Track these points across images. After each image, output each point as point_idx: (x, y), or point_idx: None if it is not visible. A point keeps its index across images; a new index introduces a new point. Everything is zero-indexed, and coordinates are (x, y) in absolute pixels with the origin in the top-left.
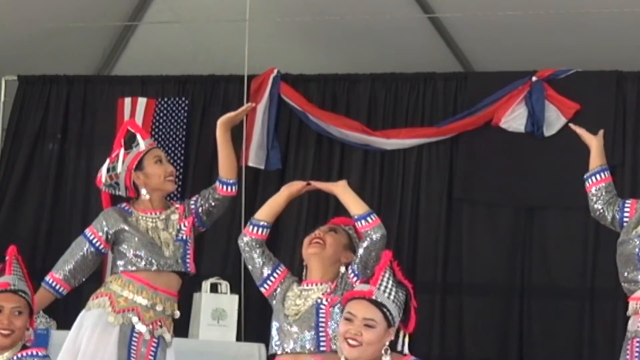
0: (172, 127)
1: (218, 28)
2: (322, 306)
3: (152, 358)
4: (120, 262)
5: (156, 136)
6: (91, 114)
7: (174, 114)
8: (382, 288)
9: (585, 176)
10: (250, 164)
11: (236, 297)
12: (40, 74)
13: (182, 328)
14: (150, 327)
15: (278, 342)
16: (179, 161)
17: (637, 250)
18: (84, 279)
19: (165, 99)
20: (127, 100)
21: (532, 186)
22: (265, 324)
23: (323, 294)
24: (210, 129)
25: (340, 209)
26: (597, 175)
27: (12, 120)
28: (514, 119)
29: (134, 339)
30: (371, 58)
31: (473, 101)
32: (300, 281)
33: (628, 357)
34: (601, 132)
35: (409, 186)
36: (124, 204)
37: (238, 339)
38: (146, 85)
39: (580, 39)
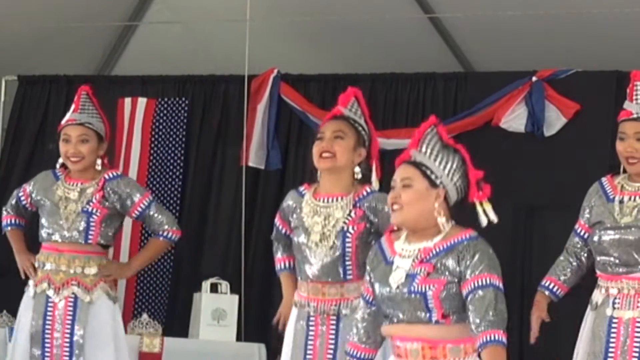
0: (172, 127)
1: (218, 28)
2: (348, 234)
3: (70, 316)
4: (40, 232)
5: (156, 136)
6: None
7: (174, 114)
8: (423, 149)
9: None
10: (251, 164)
11: (236, 297)
12: (40, 74)
13: (182, 328)
14: (61, 287)
15: (300, 268)
16: (179, 161)
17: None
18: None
19: (165, 99)
20: (127, 101)
21: (532, 186)
22: (265, 324)
23: (348, 221)
24: (210, 129)
25: None
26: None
27: (12, 120)
28: (514, 119)
29: (49, 304)
30: (371, 58)
31: (473, 101)
32: (313, 189)
33: None
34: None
35: None
36: (58, 170)
37: (238, 339)
38: (146, 85)
39: (580, 39)
